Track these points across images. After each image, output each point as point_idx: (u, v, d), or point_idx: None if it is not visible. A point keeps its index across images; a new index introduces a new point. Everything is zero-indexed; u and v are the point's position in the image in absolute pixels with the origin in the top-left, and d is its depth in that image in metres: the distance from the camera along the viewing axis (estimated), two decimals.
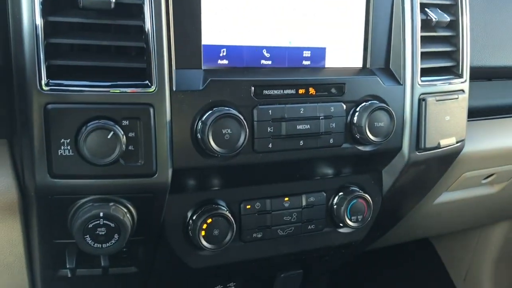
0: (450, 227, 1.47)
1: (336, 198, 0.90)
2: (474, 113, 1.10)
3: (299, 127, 0.78)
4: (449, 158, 0.99)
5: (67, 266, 0.78)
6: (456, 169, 1.09)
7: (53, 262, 0.80)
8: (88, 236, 0.69)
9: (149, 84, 0.69)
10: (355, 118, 0.82)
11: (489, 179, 1.23)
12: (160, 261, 0.84)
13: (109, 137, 0.65)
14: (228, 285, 0.98)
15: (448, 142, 0.92)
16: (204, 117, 0.72)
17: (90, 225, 0.68)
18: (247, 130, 0.73)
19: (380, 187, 0.95)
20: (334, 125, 0.81)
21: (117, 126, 0.66)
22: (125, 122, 0.68)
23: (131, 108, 0.68)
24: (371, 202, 0.90)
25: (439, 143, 0.91)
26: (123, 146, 0.66)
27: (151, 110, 0.69)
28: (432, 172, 1.00)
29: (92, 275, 0.83)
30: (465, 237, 1.84)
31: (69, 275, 0.79)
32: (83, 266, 0.80)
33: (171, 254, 0.81)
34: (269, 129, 0.76)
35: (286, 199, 0.86)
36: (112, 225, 0.69)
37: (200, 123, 0.72)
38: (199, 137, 0.72)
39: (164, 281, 0.92)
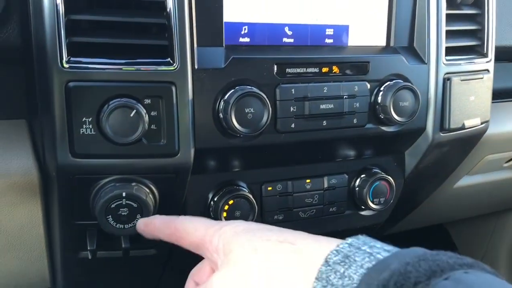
0: (469, 211, 1.45)
1: (358, 180, 0.88)
2: (498, 95, 1.08)
3: (322, 106, 0.76)
4: (473, 139, 0.96)
5: (88, 248, 0.77)
6: (479, 152, 1.07)
7: (73, 244, 0.80)
8: (110, 216, 0.68)
9: (171, 61, 0.67)
10: (380, 98, 0.80)
11: (511, 162, 1.21)
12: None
13: (131, 115, 0.64)
14: None
15: (472, 123, 0.90)
16: (227, 96, 0.70)
17: (113, 205, 0.67)
18: (270, 109, 0.71)
19: (403, 169, 0.93)
20: (358, 104, 0.79)
21: (139, 104, 0.65)
22: (147, 101, 0.66)
23: (153, 87, 0.67)
24: (393, 184, 0.88)
25: (463, 124, 0.89)
26: (146, 125, 0.65)
27: (173, 89, 0.67)
28: (455, 154, 0.98)
29: (112, 258, 0.83)
30: (481, 223, 1.82)
31: (90, 257, 0.79)
32: (104, 248, 0.80)
33: None
34: (291, 109, 0.75)
35: (308, 181, 0.85)
36: (135, 205, 0.68)
37: (222, 102, 0.70)
38: (221, 116, 0.70)
39: (183, 263, 0.92)
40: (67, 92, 0.64)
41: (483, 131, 0.95)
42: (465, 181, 1.20)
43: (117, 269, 0.89)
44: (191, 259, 0.91)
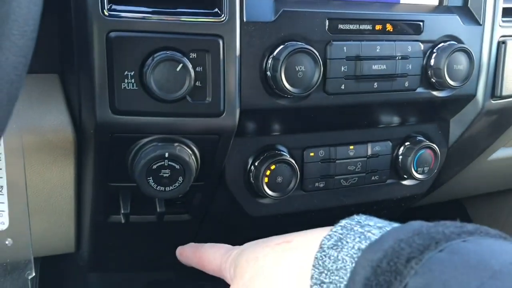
0: (499, 185, 1.41)
1: (402, 148, 0.84)
2: None
3: (375, 67, 0.72)
4: None
5: (122, 212, 0.74)
6: None
7: (105, 207, 0.76)
8: (151, 178, 0.64)
9: (219, 12, 0.62)
10: (433, 60, 0.75)
11: None
12: (217, 209, 0.80)
13: (178, 70, 0.59)
14: None
15: None
16: (276, 52, 0.65)
17: (154, 166, 0.63)
18: (322, 67, 0.67)
19: (447, 138, 0.88)
20: (410, 66, 0.74)
21: (185, 58, 0.60)
22: (193, 55, 0.61)
23: (199, 39, 0.62)
24: (439, 153, 0.84)
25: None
26: (192, 80, 0.60)
27: (221, 42, 0.62)
28: (501, 123, 0.94)
29: (144, 222, 0.79)
30: (499, 199, 1.79)
31: (123, 221, 0.75)
32: (137, 212, 0.76)
33: (230, 202, 0.77)
34: (342, 69, 0.70)
35: (351, 147, 0.80)
36: (177, 166, 0.64)
37: (271, 59, 0.65)
38: (270, 74, 0.66)
39: (216, 230, 0.88)
40: (108, 43, 0.59)
41: None
42: (501, 153, 1.16)
43: (148, 234, 0.86)
44: (225, 227, 0.88)
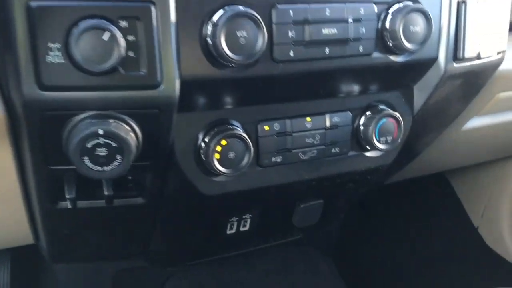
0: (475, 157, 1.38)
1: (363, 118, 0.80)
2: None
3: (325, 31, 0.68)
4: (487, 72, 0.88)
5: (67, 197, 0.70)
6: (490, 88, 0.98)
7: (50, 193, 0.72)
8: (87, 157, 0.60)
9: None
10: (388, 22, 0.71)
11: None
12: (170, 190, 0.76)
13: (105, 38, 0.55)
14: (243, 216, 0.91)
15: (488, 52, 0.82)
16: (215, 17, 0.61)
17: (89, 145, 0.59)
18: (266, 33, 0.63)
19: (411, 105, 0.85)
20: (364, 30, 0.70)
21: (113, 26, 0.56)
22: (123, 23, 0.57)
23: (129, 6, 0.57)
24: (401, 121, 0.81)
25: (479, 53, 0.80)
26: (122, 50, 0.56)
27: (153, 9, 0.58)
28: (467, 89, 0.90)
29: (95, 208, 0.75)
30: (483, 173, 1.77)
31: (69, 206, 0.71)
32: (85, 197, 0.73)
33: (182, 181, 0.73)
34: (290, 34, 0.66)
35: (308, 119, 0.77)
36: (114, 144, 0.60)
37: (210, 25, 0.61)
38: (210, 42, 0.62)
39: (174, 213, 0.85)
40: (29, 14, 0.55)
41: (499, 62, 0.87)
42: (474, 123, 1.13)
43: (103, 221, 0.82)
44: (182, 209, 0.85)
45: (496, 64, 0.87)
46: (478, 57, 0.80)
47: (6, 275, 1.18)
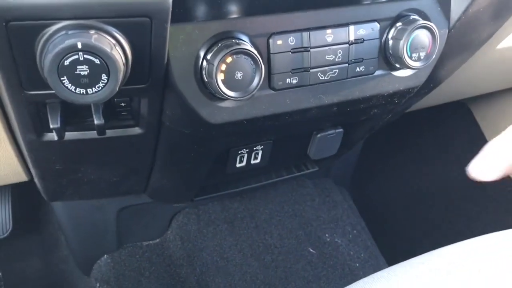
0: (508, 80, 1.26)
1: (393, 30, 0.68)
2: None
3: None
4: None
5: (51, 127, 0.60)
6: None
7: (33, 123, 0.63)
8: (65, 78, 0.50)
9: None
10: None
11: None
12: (169, 118, 0.66)
13: None
14: (254, 148, 0.82)
15: None
16: None
17: (66, 62, 0.49)
18: None
19: (448, 16, 0.73)
20: None
21: None
22: None
23: None
24: (437, 34, 0.69)
25: None
26: None
27: None
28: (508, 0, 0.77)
29: (87, 139, 0.66)
30: (508, 98, 1.65)
31: (56, 138, 0.62)
32: (73, 127, 0.63)
33: (182, 108, 0.63)
34: None
35: (329, 31, 0.65)
36: (97, 61, 0.50)
37: None
38: None
39: (176, 145, 0.76)
40: None
41: None
42: (510, 41, 1.00)
43: (97, 155, 0.73)
44: (185, 140, 0.76)
45: None
46: None
47: (7, 210, 1.12)
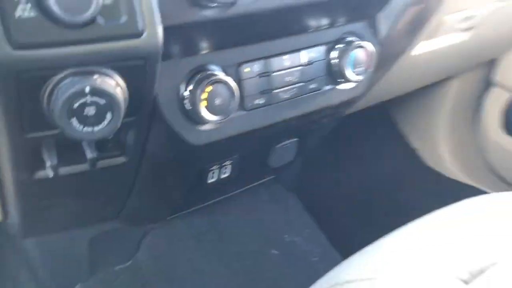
0: (421, 80, 1.45)
1: (336, 51, 0.81)
2: None
3: None
4: None
5: (48, 164, 0.65)
6: (437, 11, 1.02)
7: (27, 163, 0.67)
8: (75, 118, 0.56)
9: None
10: None
11: (464, 23, 1.19)
12: (154, 145, 0.73)
13: None
14: (224, 163, 0.90)
15: None
16: None
17: (76, 105, 0.55)
18: None
19: (377, 35, 0.86)
20: None
21: None
22: None
23: None
24: (371, 51, 0.82)
25: None
26: None
27: None
28: (423, 14, 0.93)
29: (77, 174, 0.71)
30: (420, 97, 1.87)
31: (51, 175, 0.67)
32: (66, 162, 0.68)
33: (168, 134, 0.70)
34: None
35: (286, 57, 0.76)
36: (103, 101, 0.56)
37: None
38: None
39: (157, 169, 0.82)
40: None
41: None
42: (421, 48, 1.17)
43: (82, 186, 0.78)
44: (165, 163, 0.82)
45: None
46: None
47: None
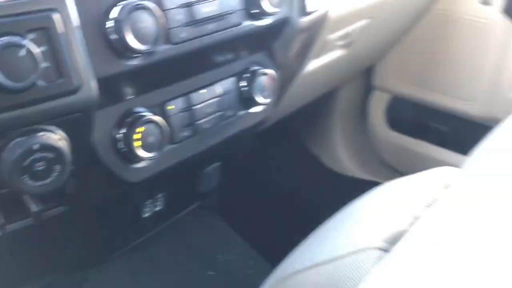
0: (314, 94, 1.62)
1: (244, 80, 0.91)
2: None
3: (206, 9, 0.76)
4: (322, 20, 1.06)
5: None
6: (322, 33, 1.18)
7: None
8: (26, 176, 0.60)
9: None
10: None
11: (343, 40, 1.37)
12: (94, 190, 0.78)
13: (21, 54, 0.55)
14: (157, 196, 0.96)
15: (322, 4, 1.00)
16: (114, 14, 0.65)
17: (26, 163, 0.59)
18: (161, 20, 0.68)
19: (276, 62, 0.99)
20: (234, 3, 0.80)
21: (26, 40, 0.56)
22: (32, 36, 0.57)
23: (33, 18, 0.57)
24: (273, 76, 0.94)
25: (317, 7, 0.97)
26: (39, 62, 0.57)
27: (56, 16, 0.59)
28: (311, 37, 1.08)
29: (22, 228, 0.73)
30: (315, 107, 2.06)
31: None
32: (13, 219, 0.70)
33: (107, 177, 0.75)
34: (180, 17, 0.72)
35: (203, 91, 0.85)
36: (51, 155, 0.61)
37: (113, 22, 0.65)
38: (115, 37, 0.65)
39: (94, 211, 0.86)
40: None
41: (327, 11, 1.06)
42: (311, 66, 1.33)
43: (26, 240, 0.80)
44: (102, 206, 0.86)
45: (327, 13, 1.05)
46: (316, 10, 0.97)
47: None
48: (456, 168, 0.68)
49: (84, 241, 0.91)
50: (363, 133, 2.16)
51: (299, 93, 1.42)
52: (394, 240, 0.52)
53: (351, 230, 0.63)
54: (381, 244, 0.54)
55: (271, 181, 1.93)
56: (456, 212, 0.53)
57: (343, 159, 2.12)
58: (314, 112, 2.10)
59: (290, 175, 2.03)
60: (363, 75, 2.02)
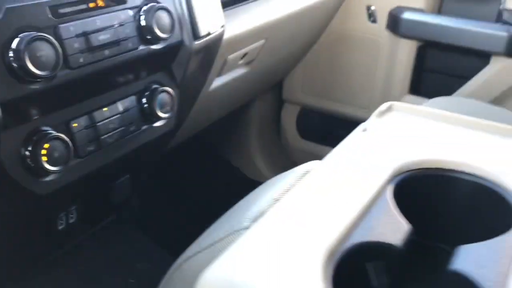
0: (224, 109, 1.75)
1: (145, 98, 1.02)
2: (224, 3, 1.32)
3: (101, 37, 0.86)
4: (217, 42, 1.20)
5: None
6: (222, 54, 1.31)
7: None
8: None
9: None
10: (143, 21, 0.93)
11: (244, 59, 1.51)
12: (5, 205, 0.85)
13: None
14: (69, 209, 1.04)
15: (215, 28, 1.13)
16: (15, 44, 0.73)
17: None
18: (60, 49, 0.78)
19: (175, 80, 1.10)
20: (128, 30, 0.91)
21: None
22: None
23: None
24: (172, 93, 1.06)
25: (209, 30, 1.10)
26: None
27: None
28: (208, 58, 1.21)
29: None
30: (232, 124, 2.19)
31: None
32: None
33: (17, 190, 0.83)
34: (77, 45, 0.82)
35: (106, 109, 0.95)
36: None
37: (12, 52, 0.73)
38: (15, 65, 0.74)
39: (7, 227, 0.93)
40: None
41: (223, 33, 1.19)
42: (216, 83, 1.46)
43: None
44: (18, 223, 0.93)
45: (221, 35, 1.19)
46: (209, 33, 1.10)
47: None
48: (320, 161, 0.83)
49: (0, 255, 0.97)
50: (279, 143, 2.32)
51: (209, 108, 1.55)
52: (256, 220, 0.65)
53: (233, 216, 0.75)
54: (248, 224, 0.66)
55: (193, 193, 2.04)
56: (305, 195, 0.67)
57: (261, 168, 2.26)
58: (232, 126, 2.24)
59: (211, 186, 2.15)
60: (274, 89, 2.18)
